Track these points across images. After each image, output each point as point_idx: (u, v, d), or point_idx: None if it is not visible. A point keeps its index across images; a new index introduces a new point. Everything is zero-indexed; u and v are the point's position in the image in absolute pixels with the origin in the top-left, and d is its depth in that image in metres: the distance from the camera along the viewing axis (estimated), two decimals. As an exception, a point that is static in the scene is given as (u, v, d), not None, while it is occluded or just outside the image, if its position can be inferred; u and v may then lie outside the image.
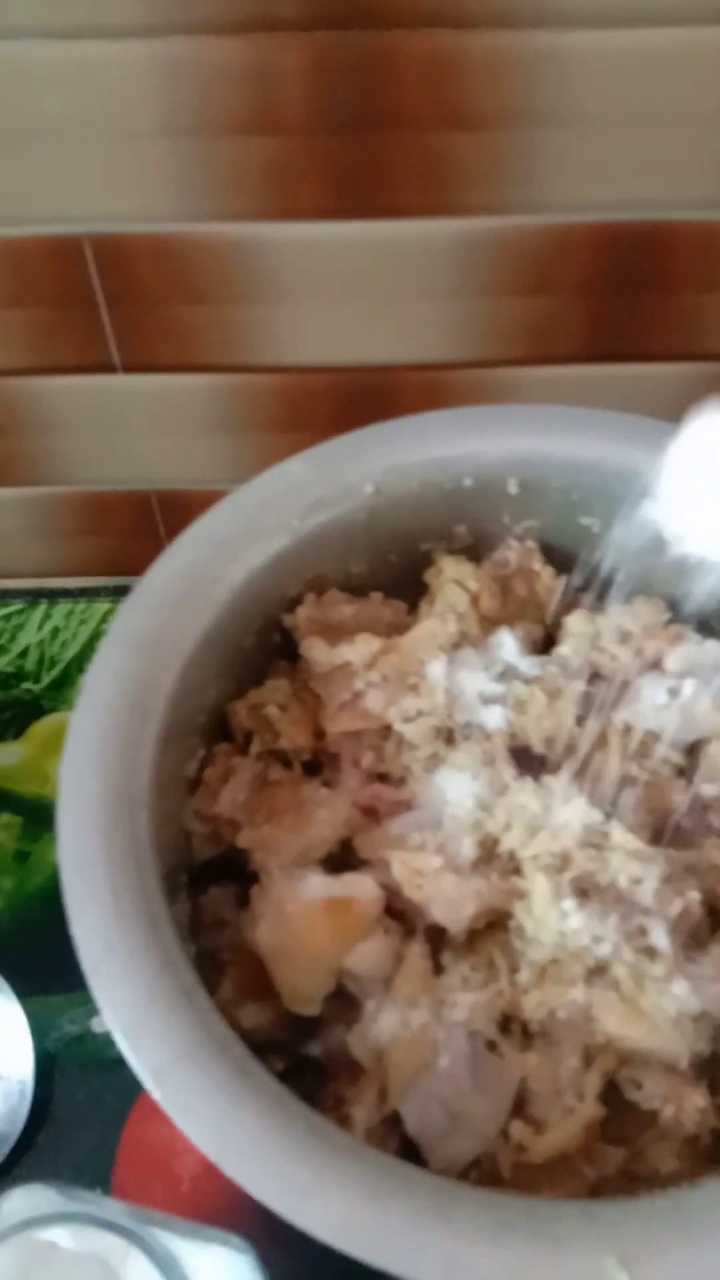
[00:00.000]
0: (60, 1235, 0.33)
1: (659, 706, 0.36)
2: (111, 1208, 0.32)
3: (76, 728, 0.33)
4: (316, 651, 0.38)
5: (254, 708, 0.38)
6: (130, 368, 0.53)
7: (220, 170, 0.45)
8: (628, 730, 0.36)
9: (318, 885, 0.33)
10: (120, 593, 0.58)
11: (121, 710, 0.33)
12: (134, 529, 0.61)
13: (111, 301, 0.50)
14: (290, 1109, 0.27)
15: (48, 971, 0.43)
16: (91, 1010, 0.43)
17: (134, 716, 0.33)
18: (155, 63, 0.41)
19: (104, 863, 0.30)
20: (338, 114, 0.43)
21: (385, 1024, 0.32)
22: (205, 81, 0.42)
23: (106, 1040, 0.43)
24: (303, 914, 0.33)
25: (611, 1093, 0.32)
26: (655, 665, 0.38)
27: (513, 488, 0.39)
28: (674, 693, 0.37)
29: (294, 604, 0.40)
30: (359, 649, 0.37)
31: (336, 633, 0.39)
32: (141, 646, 0.34)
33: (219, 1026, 0.29)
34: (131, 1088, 0.42)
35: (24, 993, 0.42)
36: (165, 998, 0.28)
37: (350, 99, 0.43)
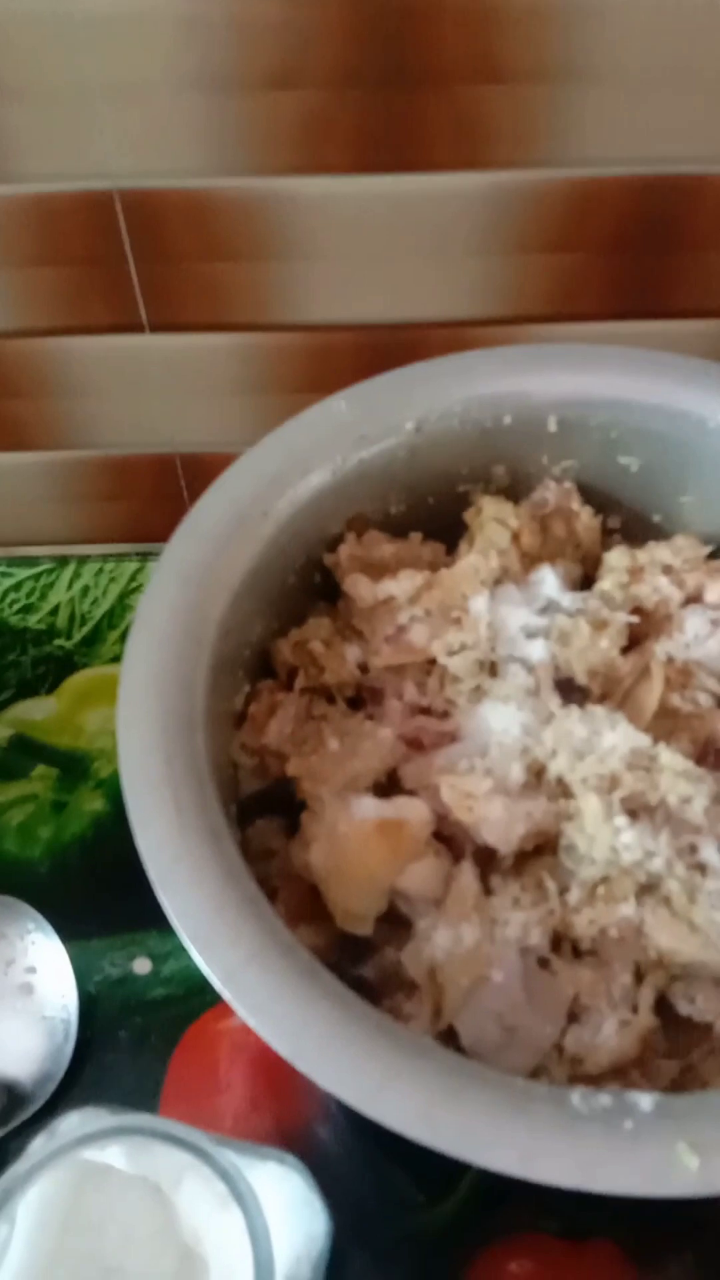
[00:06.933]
0: (116, 1156, 0.33)
1: (701, 638, 0.37)
2: (170, 1125, 0.32)
3: (132, 653, 0.33)
4: (360, 587, 0.38)
5: (298, 644, 0.39)
6: (158, 327, 0.53)
7: (251, 125, 0.45)
8: (669, 661, 0.37)
9: (370, 807, 0.34)
10: (145, 557, 0.58)
11: (175, 637, 0.34)
12: (157, 493, 0.61)
13: (141, 259, 0.50)
14: (358, 1008, 0.28)
15: (87, 916, 0.44)
16: (132, 953, 0.43)
17: (188, 643, 0.34)
18: (188, 17, 0.42)
19: (166, 780, 0.31)
20: (371, 68, 0.43)
21: (439, 941, 0.32)
22: (237, 36, 0.42)
23: (148, 981, 0.43)
24: (356, 834, 0.33)
25: (663, 1008, 0.33)
26: (696, 598, 0.38)
27: (552, 425, 0.40)
28: (716, 624, 0.37)
29: (335, 543, 0.40)
30: (403, 584, 0.38)
31: (378, 571, 0.39)
32: (193, 576, 0.35)
33: (284, 933, 0.29)
34: (174, 1026, 0.43)
35: (65, 937, 0.42)
36: (232, 904, 0.29)
37: (384, 53, 0.43)
